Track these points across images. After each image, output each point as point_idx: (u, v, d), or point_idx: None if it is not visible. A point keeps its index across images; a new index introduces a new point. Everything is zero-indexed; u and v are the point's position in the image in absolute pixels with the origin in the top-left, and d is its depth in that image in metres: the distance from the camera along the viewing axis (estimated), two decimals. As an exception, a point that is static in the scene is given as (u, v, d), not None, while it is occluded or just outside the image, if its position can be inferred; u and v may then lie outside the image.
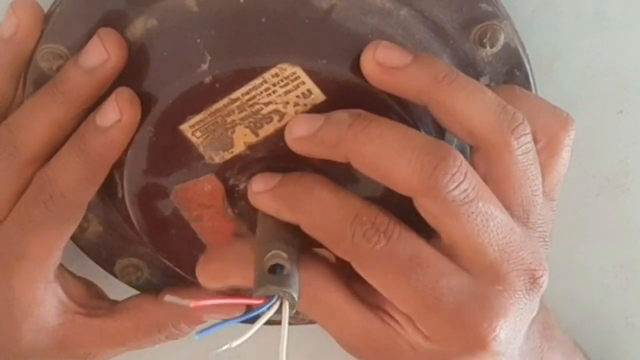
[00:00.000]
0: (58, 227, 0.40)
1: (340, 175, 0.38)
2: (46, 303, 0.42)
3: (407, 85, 0.36)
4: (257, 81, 0.37)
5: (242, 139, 0.38)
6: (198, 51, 0.37)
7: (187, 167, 0.39)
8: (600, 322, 0.51)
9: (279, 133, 0.38)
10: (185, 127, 0.38)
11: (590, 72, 0.44)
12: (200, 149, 0.38)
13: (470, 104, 0.35)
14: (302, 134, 0.36)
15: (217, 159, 0.39)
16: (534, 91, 0.41)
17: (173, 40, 0.38)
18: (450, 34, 0.39)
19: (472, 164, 0.36)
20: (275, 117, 0.37)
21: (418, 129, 0.38)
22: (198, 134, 0.38)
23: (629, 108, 0.45)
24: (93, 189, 0.40)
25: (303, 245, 0.37)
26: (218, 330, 0.34)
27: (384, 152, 0.35)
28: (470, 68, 0.40)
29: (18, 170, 0.40)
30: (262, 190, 0.37)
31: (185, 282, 0.43)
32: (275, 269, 0.36)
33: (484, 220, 0.35)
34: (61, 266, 0.43)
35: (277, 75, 0.36)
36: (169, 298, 0.35)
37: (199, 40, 0.37)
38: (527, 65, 0.40)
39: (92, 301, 0.44)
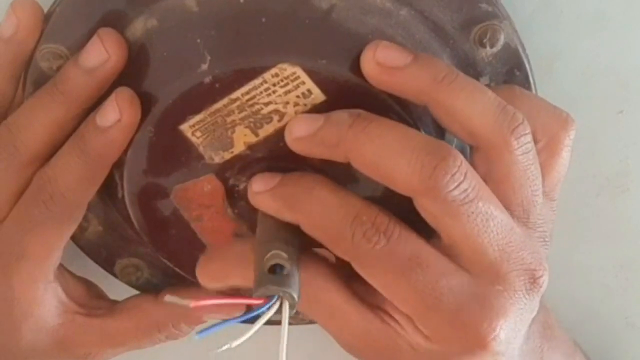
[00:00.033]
0: (58, 227, 0.40)
1: (340, 175, 0.38)
2: (46, 303, 0.42)
3: (407, 85, 0.36)
4: (257, 81, 0.37)
5: (242, 139, 0.38)
6: (198, 51, 0.37)
7: (187, 167, 0.39)
8: (600, 322, 0.51)
9: (279, 133, 0.38)
10: (185, 127, 0.38)
11: (590, 72, 0.44)
12: (200, 149, 0.38)
13: (470, 104, 0.35)
14: (302, 134, 0.36)
15: (217, 159, 0.39)
16: (534, 91, 0.41)
17: (173, 40, 0.38)
18: (450, 34, 0.39)
19: (472, 164, 0.36)
20: (275, 117, 0.37)
21: (418, 129, 0.38)
22: (198, 134, 0.38)
23: (629, 108, 0.45)
24: (93, 189, 0.40)
25: (303, 245, 0.37)
26: (218, 330, 0.34)
27: (384, 152, 0.35)
28: (470, 68, 0.40)
29: (18, 170, 0.40)
30: (262, 190, 0.37)
31: (185, 282, 0.43)
32: (275, 269, 0.36)
33: (484, 220, 0.35)
34: (61, 266, 0.43)
35: (277, 75, 0.36)
36: (169, 298, 0.35)
37: (199, 40, 0.37)
38: (527, 65, 0.40)
39: (92, 301, 0.44)
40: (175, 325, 0.44)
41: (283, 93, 0.37)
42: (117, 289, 0.46)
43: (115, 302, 0.45)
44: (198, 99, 0.37)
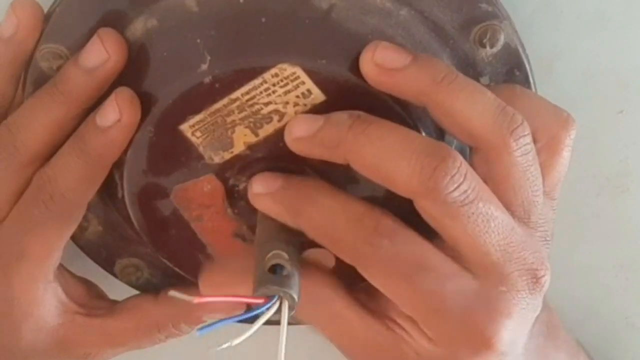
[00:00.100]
0: (58, 227, 0.40)
1: (340, 175, 0.38)
2: (46, 303, 0.42)
3: (405, 86, 0.36)
4: (257, 81, 0.37)
5: (242, 139, 0.38)
6: (198, 51, 0.37)
7: (187, 167, 0.39)
8: (600, 322, 0.51)
9: (279, 133, 0.38)
10: (185, 127, 0.38)
11: (590, 72, 0.44)
12: (200, 149, 0.38)
13: (469, 105, 0.35)
14: (301, 135, 0.36)
15: (217, 159, 0.39)
16: (533, 91, 0.41)
17: (173, 40, 0.38)
18: (450, 34, 0.39)
19: (472, 164, 0.36)
20: (275, 117, 0.37)
21: (418, 129, 0.38)
22: (198, 134, 0.38)
23: (629, 108, 0.45)
24: (93, 189, 0.40)
25: (304, 245, 0.37)
26: (219, 328, 0.35)
27: (383, 153, 0.35)
28: (470, 68, 0.40)
29: (18, 170, 0.40)
30: (263, 192, 0.37)
31: (185, 282, 0.43)
32: (275, 269, 0.36)
33: (485, 220, 0.35)
34: (61, 266, 0.43)
35: (276, 75, 0.36)
36: (173, 293, 0.35)
37: (198, 41, 0.37)
38: (527, 66, 0.40)
39: (92, 301, 0.44)
40: (175, 325, 0.44)
41: (283, 93, 0.37)
42: (117, 289, 0.46)
43: (115, 302, 0.45)
44: (198, 99, 0.37)
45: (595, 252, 0.49)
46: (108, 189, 0.41)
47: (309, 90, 0.37)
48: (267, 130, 0.38)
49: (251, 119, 0.37)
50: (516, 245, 0.36)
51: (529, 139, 0.36)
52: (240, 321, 0.36)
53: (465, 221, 0.35)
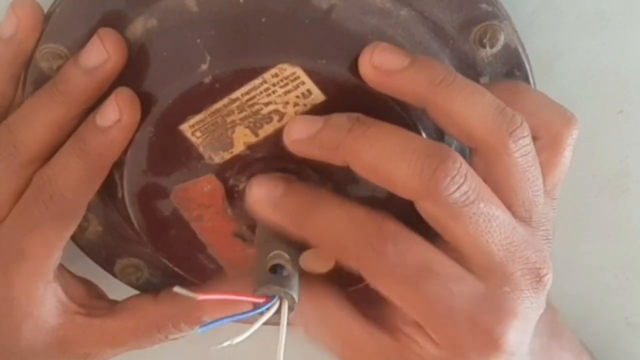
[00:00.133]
0: (58, 227, 0.40)
1: (340, 175, 0.38)
2: (46, 303, 0.42)
3: (404, 88, 0.36)
4: (256, 81, 0.37)
5: (241, 139, 0.38)
6: (198, 51, 0.37)
7: (187, 167, 0.39)
8: (600, 322, 0.51)
9: (279, 133, 0.37)
10: (185, 127, 0.38)
11: (590, 72, 0.44)
12: (200, 149, 0.38)
13: (468, 106, 0.35)
14: (300, 137, 0.36)
15: (217, 159, 0.39)
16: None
17: (173, 41, 0.38)
18: (450, 34, 0.39)
19: (472, 165, 0.35)
20: (275, 117, 0.37)
21: (418, 129, 0.38)
22: (198, 134, 0.38)
23: (629, 108, 0.45)
24: (93, 189, 0.40)
25: (304, 245, 0.37)
26: (219, 325, 0.35)
27: (383, 155, 0.35)
28: (470, 68, 0.40)
29: (18, 170, 0.40)
30: (262, 200, 0.37)
31: (185, 282, 0.43)
32: (275, 269, 0.36)
33: (486, 221, 0.35)
34: (61, 266, 0.43)
35: (276, 75, 0.36)
36: (177, 289, 0.35)
37: (198, 41, 0.37)
38: (527, 66, 0.40)
39: (92, 301, 0.44)
40: (175, 325, 0.44)
41: (283, 93, 0.37)
42: (117, 289, 0.46)
43: (115, 302, 0.45)
44: (198, 99, 0.37)
45: (595, 252, 0.49)
46: (108, 189, 0.41)
47: (309, 91, 0.37)
48: (267, 130, 0.38)
49: (251, 119, 0.37)
50: (518, 245, 0.36)
51: (528, 139, 0.36)
52: (241, 320, 0.36)
53: (467, 222, 0.34)
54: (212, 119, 0.37)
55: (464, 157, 0.35)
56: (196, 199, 0.40)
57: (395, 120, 0.36)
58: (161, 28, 0.38)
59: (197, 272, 0.42)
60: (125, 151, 0.39)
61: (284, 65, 0.36)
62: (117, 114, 0.38)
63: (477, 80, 0.40)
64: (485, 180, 0.35)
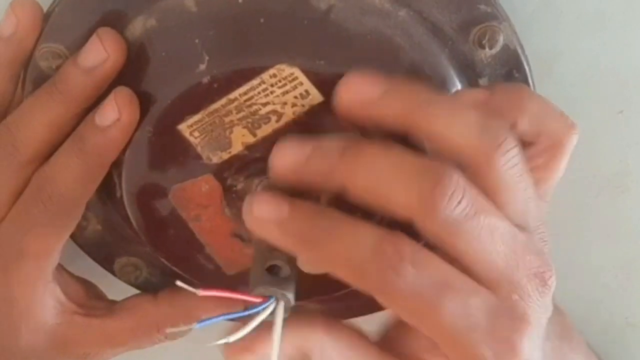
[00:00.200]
0: (57, 226, 0.40)
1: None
2: (45, 303, 0.42)
3: (382, 117, 0.35)
4: (255, 82, 0.37)
5: (239, 139, 0.38)
6: (196, 51, 0.37)
7: (185, 167, 0.39)
8: (600, 322, 0.51)
9: (277, 134, 0.38)
10: (183, 127, 0.38)
11: (590, 72, 0.44)
12: (198, 149, 0.38)
13: (450, 126, 0.34)
14: (287, 166, 0.35)
15: (215, 159, 0.39)
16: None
17: (172, 41, 0.38)
18: (449, 35, 0.39)
19: None
20: (273, 118, 0.37)
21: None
22: (196, 134, 0.38)
23: (629, 108, 0.45)
24: (92, 188, 0.40)
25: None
26: (216, 322, 0.35)
27: (379, 179, 0.34)
28: (469, 69, 0.40)
29: (17, 170, 0.40)
30: (264, 221, 0.35)
31: (184, 281, 0.42)
32: (273, 270, 0.36)
33: (489, 232, 0.34)
34: (60, 266, 0.43)
35: (275, 75, 0.36)
36: (180, 283, 0.35)
37: (197, 41, 0.37)
38: (526, 67, 0.40)
39: (91, 301, 0.44)
40: (175, 325, 0.44)
41: (281, 94, 0.37)
42: (116, 289, 0.46)
43: (114, 302, 0.45)
44: (196, 99, 0.37)
45: (595, 252, 0.49)
46: (107, 189, 0.41)
47: (307, 91, 0.37)
48: (265, 130, 0.38)
49: (249, 120, 0.38)
50: (520, 252, 0.35)
51: (515, 150, 0.35)
52: (238, 319, 0.36)
53: (470, 237, 0.34)
54: (210, 119, 0.37)
55: None
56: (194, 198, 0.40)
57: None
58: (160, 28, 0.38)
59: (195, 272, 0.42)
60: (123, 151, 0.39)
61: (283, 66, 0.36)
62: (116, 114, 0.38)
63: (476, 82, 0.40)
64: None
